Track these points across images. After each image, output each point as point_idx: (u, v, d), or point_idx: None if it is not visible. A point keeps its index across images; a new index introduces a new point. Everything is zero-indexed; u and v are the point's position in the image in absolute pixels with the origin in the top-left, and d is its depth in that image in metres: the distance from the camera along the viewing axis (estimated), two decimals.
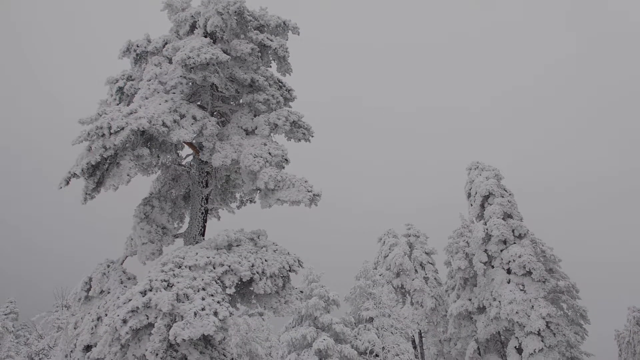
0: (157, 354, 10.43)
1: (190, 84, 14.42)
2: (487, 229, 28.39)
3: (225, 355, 12.39)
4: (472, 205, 30.73)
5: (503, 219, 28.69)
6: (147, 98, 13.69)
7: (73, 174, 12.27)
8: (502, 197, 29.46)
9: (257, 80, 14.90)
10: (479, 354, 28.33)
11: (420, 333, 34.24)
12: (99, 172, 12.49)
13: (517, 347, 26.29)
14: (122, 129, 12.10)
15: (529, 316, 25.54)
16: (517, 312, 25.66)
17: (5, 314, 38.80)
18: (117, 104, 14.93)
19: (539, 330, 25.16)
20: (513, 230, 28.33)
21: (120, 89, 15.18)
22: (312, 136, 15.03)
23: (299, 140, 14.94)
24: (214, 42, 14.64)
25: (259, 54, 14.92)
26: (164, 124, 12.79)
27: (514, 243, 28.13)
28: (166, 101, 13.50)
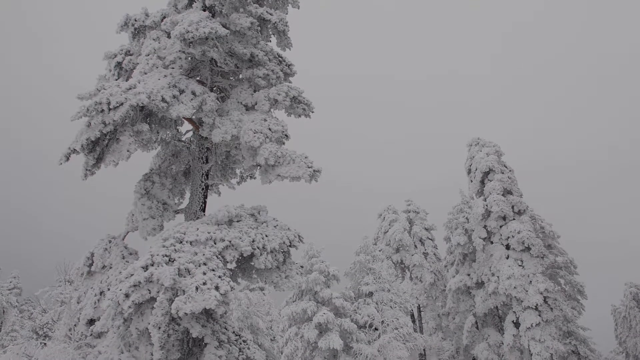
0: (159, 328, 10.58)
1: (189, 58, 14.25)
2: (486, 205, 28.45)
3: (226, 329, 12.57)
4: (472, 181, 30.72)
5: (503, 195, 28.71)
6: (145, 73, 13.55)
7: (73, 149, 12.23)
8: (502, 173, 29.42)
9: (257, 55, 14.72)
10: (477, 327, 28.71)
11: (419, 307, 34.66)
12: (98, 148, 12.45)
13: (514, 321, 26.64)
14: (121, 104, 12.02)
15: (526, 291, 25.79)
16: (515, 287, 25.89)
17: (9, 289, 39.25)
18: (116, 79, 14.80)
19: (537, 304, 25.45)
20: (512, 207, 28.39)
21: (119, 64, 15.03)
22: (313, 112, 14.91)
23: (299, 115, 14.83)
24: (213, 16, 14.42)
25: (259, 28, 14.69)
26: (163, 100, 12.69)
27: (514, 219, 28.22)
28: (165, 76, 13.36)
